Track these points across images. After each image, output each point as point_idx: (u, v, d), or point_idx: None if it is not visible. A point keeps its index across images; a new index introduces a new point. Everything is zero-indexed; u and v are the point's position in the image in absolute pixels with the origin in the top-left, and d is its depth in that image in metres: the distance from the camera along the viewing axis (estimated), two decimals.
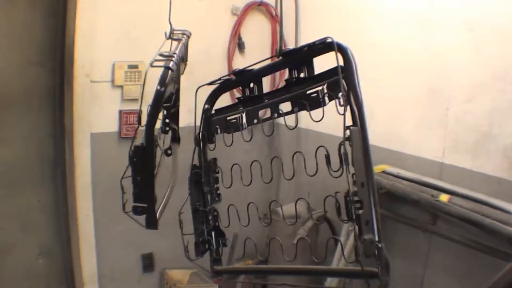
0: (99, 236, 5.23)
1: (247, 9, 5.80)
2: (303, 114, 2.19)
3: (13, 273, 5.09)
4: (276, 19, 5.99)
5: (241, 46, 5.83)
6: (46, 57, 5.01)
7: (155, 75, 2.23)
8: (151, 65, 2.23)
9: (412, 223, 4.57)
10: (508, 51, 3.95)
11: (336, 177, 1.82)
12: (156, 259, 5.66)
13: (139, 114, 2.23)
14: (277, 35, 6.01)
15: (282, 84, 2.35)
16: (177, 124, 2.55)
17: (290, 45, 5.92)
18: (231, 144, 2.35)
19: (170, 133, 2.51)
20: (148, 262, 5.61)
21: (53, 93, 5.10)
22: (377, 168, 4.53)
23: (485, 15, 4.08)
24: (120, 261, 5.42)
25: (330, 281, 4.48)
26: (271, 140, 6.12)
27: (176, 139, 2.58)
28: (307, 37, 5.66)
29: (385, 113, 4.63)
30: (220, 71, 5.61)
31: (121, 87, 5.09)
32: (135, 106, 5.17)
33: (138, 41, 5.08)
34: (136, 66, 5.09)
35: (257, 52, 5.89)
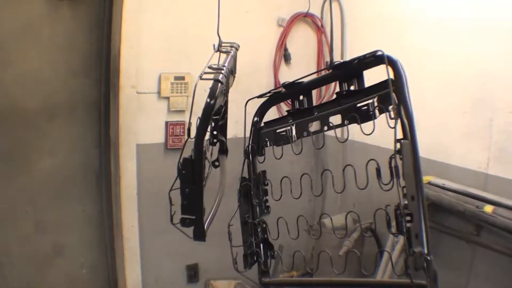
0: (144, 247, 5.24)
1: (293, 20, 5.78)
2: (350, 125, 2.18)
3: (56, 283, 5.13)
4: (321, 30, 5.98)
5: (287, 58, 5.80)
6: (91, 68, 5.06)
7: (202, 86, 2.23)
8: (201, 78, 2.22)
9: (456, 234, 4.52)
10: None
11: (387, 190, 1.80)
12: (201, 270, 5.66)
13: (188, 126, 2.22)
14: (323, 46, 5.99)
15: (326, 96, 2.34)
16: (225, 136, 2.55)
17: (336, 57, 5.91)
18: (281, 157, 2.34)
19: (217, 144, 2.51)
20: (193, 273, 5.61)
21: (99, 104, 5.15)
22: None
23: None
24: (164, 272, 5.43)
25: None
26: (316, 151, 6.10)
27: (224, 151, 2.58)
28: (353, 49, 5.67)
29: (429, 124, 4.56)
30: (266, 82, 5.64)
31: (167, 98, 5.11)
32: (181, 118, 5.19)
33: (184, 53, 5.11)
34: (182, 78, 5.10)
35: (302, 63, 5.88)
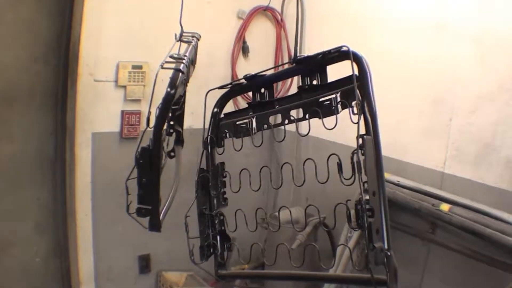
0: (97, 236, 5.20)
1: (253, 13, 5.79)
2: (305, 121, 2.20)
3: (10, 270, 5.05)
4: (281, 25, 6.00)
5: (245, 50, 5.81)
6: (51, 54, 4.98)
7: (161, 76, 2.22)
8: (162, 67, 2.21)
9: (411, 232, 4.57)
10: None
11: (348, 185, 1.82)
12: (153, 261, 5.64)
13: (148, 115, 2.21)
14: (282, 41, 6.00)
15: (283, 91, 2.35)
16: (182, 126, 2.54)
17: (292, 51, 5.95)
18: (241, 148, 2.34)
19: (174, 135, 2.51)
20: (144, 264, 5.60)
21: (56, 91, 5.07)
22: None
23: (492, 27, 4.09)
24: (117, 262, 5.40)
25: (328, 287, 4.49)
26: (271, 145, 6.13)
27: (180, 141, 2.56)
28: (312, 44, 5.67)
29: (388, 122, 4.60)
30: (223, 74, 5.63)
31: (124, 87, 5.07)
32: (137, 107, 5.17)
33: (144, 42, 5.07)
34: (140, 67, 5.07)
35: (260, 57, 5.90)
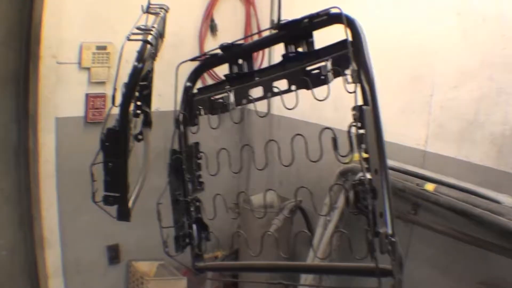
0: (64, 227, 5.05)
1: None
2: (274, 100, 2.06)
3: None
4: (249, 1, 5.82)
5: (213, 28, 5.68)
6: (12, 37, 4.80)
7: (125, 57, 2.08)
8: (128, 39, 2.04)
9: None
10: (497, 38, 3.84)
11: (345, 163, 1.65)
12: (122, 251, 5.52)
13: (113, 92, 2.03)
14: (251, 18, 5.85)
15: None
16: (150, 107, 2.38)
17: (265, 25, 5.83)
18: (218, 126, 2.15)
19: (141, 116, 2.35)
20: (114, 254, 5.46)
21: (17, 75, 4.90)
22: (355, 156, 4.39)
23: (476, 1, 3.97)
24: (85, 253, 5.25)
25: (305, 278, 4.35)
26: (242, 127, 5.99)
27: (148, 123, 2.41)
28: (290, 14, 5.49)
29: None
30: (191, 53, 5.36)
31: (88, 69, 4.93)
32: (102, 90, 5.02)
33: (107, 22, 4.92)
34: (104, 47, 4.92)
35: (229, 35, 5.63)
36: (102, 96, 5.01)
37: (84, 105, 4.97)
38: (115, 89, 2.05)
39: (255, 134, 5.99)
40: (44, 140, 4.83)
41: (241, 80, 2.17)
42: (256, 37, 2.60)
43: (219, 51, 2.26)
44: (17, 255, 5.14)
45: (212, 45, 5.53)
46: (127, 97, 1.97)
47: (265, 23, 5.82)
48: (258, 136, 5.92)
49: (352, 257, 1.81)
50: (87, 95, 4.96)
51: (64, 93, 4.85)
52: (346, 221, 4.40)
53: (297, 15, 1.96)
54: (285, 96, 2.00)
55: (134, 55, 2.03)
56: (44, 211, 4.93)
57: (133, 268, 5.51)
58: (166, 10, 2.61)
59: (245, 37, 2.02)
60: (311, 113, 3.98)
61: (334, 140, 1.72)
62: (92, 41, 4.88)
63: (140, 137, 2.38)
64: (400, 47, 4.45)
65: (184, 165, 2.28)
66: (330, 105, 4.10)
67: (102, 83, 5.00)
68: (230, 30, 5.80)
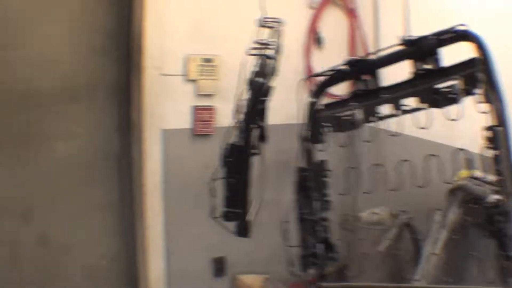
0: (169, 238, 5.06)
1: (325, 2, 5.65)
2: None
3: (74, 274, 4.95)
4: (353, 14, 5.82)
5: (319, 41, 5.62)
6: (112, 47, 4.90)
7: (231, 68, 2.07)
8: (249, 54, 2.03)
9: None
10: None
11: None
12: (228, 264, 5.48)
13: (236, 108, 2.03)
14: (355, 31, 5.82)
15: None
16: (264, 121, 2.36)
17: (369, 39, 5.78)
18: (347, 145, 2.11)
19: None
20: (219, 266, 5.44)
21: (119, 84, 4.98)
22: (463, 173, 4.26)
23: None
24: (190, 265, 5.24)
25: None
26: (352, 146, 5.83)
27: (262, 137, 2.39)
28: (387, 35, 5.42)
29: None
30: (296, 67, 5.44)
31: (194, 81, 4.97)
32: (209, 102, 5.02)
33: (212, 34, 4.96)
34: (211, 60, 4.96)
35: (334, 48, 5.68)
36: (210, 109, 5.00)
37: (191, 117, 5.00)
38: (237, 105, 2.04)
39: (366, 153, 5.82)
40: (150, 151, 4.87)
41: (367, 97, 2.11)
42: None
43: (343, 66, 2.22)
44: (118, 265, 5.20)
45: (317, 58, 5.53)
46: (252, 113, 1.96)
47: (369, 37, 5.76)
48: (368, 154, 5.75)
49: (471, 279, 1.74)
50: (194, 108, 4.99)
51: (169, 105, 4.90)
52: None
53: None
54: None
55: (242, 68, 2.00)
56: (149, 222, 4.96)
57: (239, 281, 5.49)
58: (281, 24, 2.57)
59: (371, 53, 1.94)
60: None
61: (469, 161, 1.66)
62: (198, 53, 4.92)
63: (256, 151, 2.35)
64: None
65: (311, 183, 2.24)
66: (439, 120, 4.01)
67: (209, 95, 5.02)
68: (334, 43, 5.74)
